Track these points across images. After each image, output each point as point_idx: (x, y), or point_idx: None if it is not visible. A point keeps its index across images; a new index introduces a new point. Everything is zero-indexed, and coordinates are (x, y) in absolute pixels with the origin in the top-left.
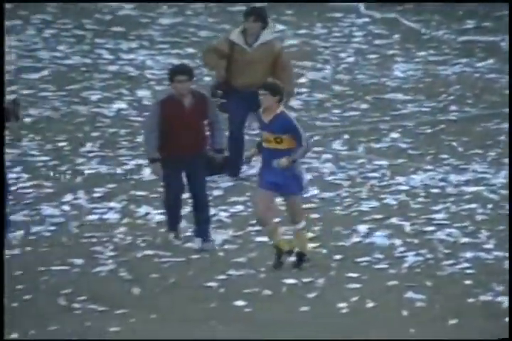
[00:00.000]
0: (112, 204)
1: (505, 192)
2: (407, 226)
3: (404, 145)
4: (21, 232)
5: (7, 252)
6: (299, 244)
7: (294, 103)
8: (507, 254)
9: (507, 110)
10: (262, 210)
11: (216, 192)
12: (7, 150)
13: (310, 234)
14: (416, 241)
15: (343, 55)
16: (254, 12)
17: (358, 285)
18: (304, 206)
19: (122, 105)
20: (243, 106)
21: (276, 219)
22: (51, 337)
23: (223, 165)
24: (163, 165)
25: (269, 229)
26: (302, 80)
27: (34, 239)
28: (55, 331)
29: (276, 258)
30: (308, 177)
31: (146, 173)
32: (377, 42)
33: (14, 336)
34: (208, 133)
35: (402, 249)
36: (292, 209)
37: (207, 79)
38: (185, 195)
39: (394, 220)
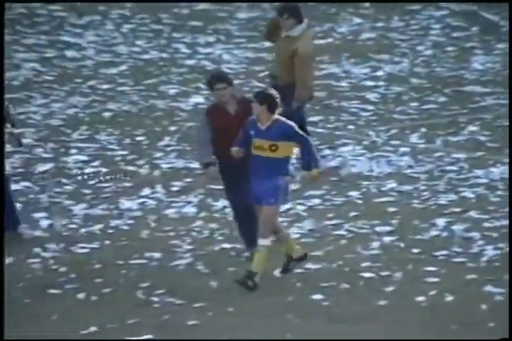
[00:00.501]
0: (190, 198)
1: None
2: (486, 220)
3: (482, 138)
4: (100, 226)
5: (87, 245)
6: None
7: (371, 96)
8: None
9: None
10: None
11: (293, 186)
12: (86, 145)
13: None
14: (495, 234)
15: (420, 47)
16: (287, 10)
17: (436, 279)
18: (382, 199)
19: (199, 99)
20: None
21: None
22: (130, 330)
23: None
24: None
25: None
26: (379, 73)
27: (113, 232)
28: (133, 324)
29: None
30: (387, 169)
31: None
32: (455, 34)
33: (93, 329)
34: None
35: (480, 242)
36: (262, 220)
37: None
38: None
39: (472, 213)
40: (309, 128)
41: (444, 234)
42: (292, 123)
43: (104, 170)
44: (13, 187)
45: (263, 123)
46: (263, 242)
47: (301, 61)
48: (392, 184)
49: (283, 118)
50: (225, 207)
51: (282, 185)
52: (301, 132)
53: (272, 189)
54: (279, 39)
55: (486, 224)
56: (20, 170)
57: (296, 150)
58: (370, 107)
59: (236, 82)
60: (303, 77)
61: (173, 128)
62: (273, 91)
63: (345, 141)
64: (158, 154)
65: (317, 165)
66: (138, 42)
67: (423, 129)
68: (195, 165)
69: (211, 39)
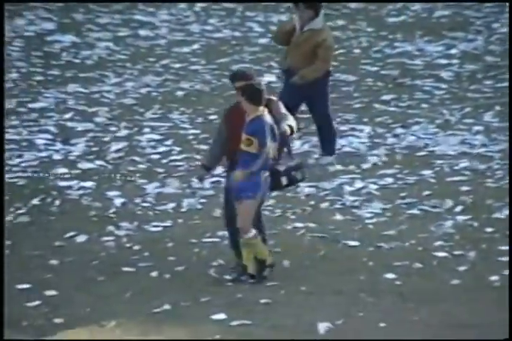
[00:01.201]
0: None
1: None
2: None
3: None
4: (173, 205)
5: (160, 224)
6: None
7: (445, 74)
8: None
9: None
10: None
11: (365, 165)
12: (159, 124)
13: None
14: None
15: (495, 25)
16: (304, 1)
17: (509, 258)
18: (455, 178)
19: (272, 78)
20: (289, 89)
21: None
22: (203, 308)
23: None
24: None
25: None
26: (453, 51)
27: (185, 211)
28: (206, 302)
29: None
30: (460, 148)
31: (296, 145)
32: None
33: (167, 307)
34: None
35: None
36: (238, 215)
37: None
38: None
39: None
40: (381, 107)
41: None
42: (264, 124)
43: (176, 148)
44: (87, 165)
45: (248, 116)
46: (247, 236)
47: (327, 53)
48: (465, 163)
49: (265, 116)
50: (296, 186)
51: (258, 179)
52: (265, 136)
53: (250, 183)
54: (296, 35)
55: None
56: (94, 148)
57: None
58: (444, 85)
59: None
60: (321, 66)
61: None
62: (259, 84)
63: (419, 119)
64: None
65: (245, 168)
66: (211, 21)
67: (497, 107)
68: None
69: (284, 18)
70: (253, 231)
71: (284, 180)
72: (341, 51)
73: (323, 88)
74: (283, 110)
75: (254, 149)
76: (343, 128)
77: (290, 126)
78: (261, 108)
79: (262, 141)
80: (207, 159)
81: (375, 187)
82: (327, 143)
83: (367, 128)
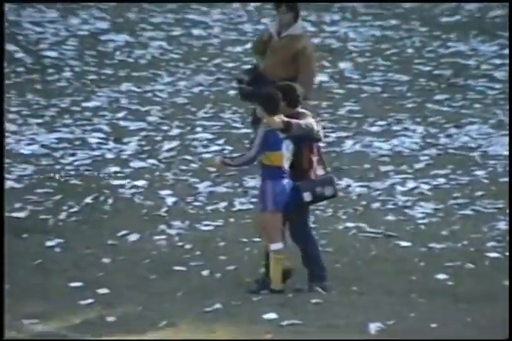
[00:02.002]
0: None
1: None
2: None
3: None
4: (224, 204)
5: (211, 223)
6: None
7: (499, 74)
8: None
9: None
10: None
11: (417, 165)
12: (211, 123)
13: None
14: None
15: None
16: (285, 2)
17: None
18: (508, 179)
19: (324, 77)
20: None
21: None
22: (254, 307)
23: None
24: None
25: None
26: (507, 51)
27: (237, 210)
28: (257, 302)
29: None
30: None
31: (348, 145)
32: None
33: (218, 306)
34: None
35: None
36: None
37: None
38: None
39: None
40: (434, 107)
41: None
42: (265, 130)
43: (228, 147)
44: (139, 164)
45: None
46: (274, 247)
47: (308, 61)
48: None
49: (271, 127)
50: (348, 185)
51: (269, 189)
52: (257, 142)
53: (261, 194)
54: (275, 41)
55: None
56: (146, 147)
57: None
58: (498, 85)
59: (361, 60)
60: (308, 77)
61: None
62: (272, 93)
63: (472, 119)
64: None
65: (232, 160)
66: (263, 21)
67: None
68: (320, 143)
69: (337, 17)
70: (279, 245)
71: (306, 196)
72: (394, 51)
73: None
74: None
75: (268, 161)
76: (395, 128)
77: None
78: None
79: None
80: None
81: (428, 187)
82: None
83: (419, 128)
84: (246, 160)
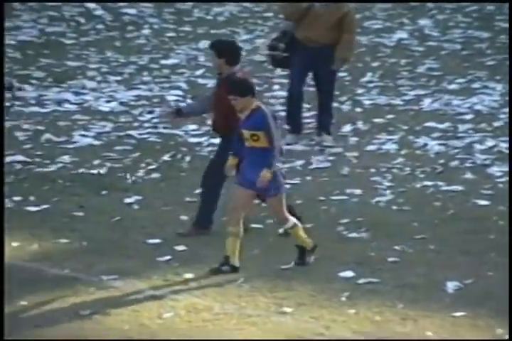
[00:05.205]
0: (391, 134)
1: None
2: None
3: None
4: (301, 162)
5: (289, 181)
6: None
7: None
8: None
9: None
10: (236, 208)
11: (496, 124)
12: (287, 81)
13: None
14: None
15: None
16: None
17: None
18: None
19: (403, 35)
20: (306, 63)
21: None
22: (330, 266)
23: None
24: None
25: (233, 231)
26: None
27: (314, 168)
28: (333, 260)
29: (299, 257)
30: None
31: (426, 103)
32: None
33: (288, 266)
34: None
35: None
36: (273, 211)
37: None
38: None
39: None
40: None
41: None
42: (266, 113)
43: (307, 106)
44: None
45: (243, 113)
46: (289, 225)
47: (352, 22)
48: None
49: (262, 107)
50: (426, 144)
51: (275, 173)
52: (271, 127)
53: (271, 182)
54: (317, 7)
55: None
56: None
57: None
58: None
59: (440, 17)
60: (351, 39)
61: (375, 64)
62: (242, 79)
63: None
64: (361, 90)
65: (269, 166)
66: None
67: None
68: (397, 101)
69: None
70: (292, 220)
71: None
72: (474, 7)
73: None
74: None
75: (266, 143)
76: (474, 85)
77: None
78: (254, 100)
79: (269, 133)
80: (185, 107)
81: (506, 145)
82: (326, 121)
83: (499, 86)
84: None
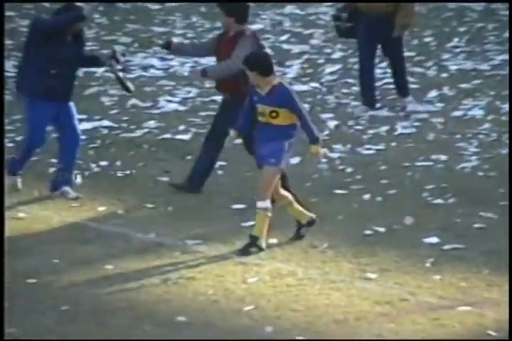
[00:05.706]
0: (477, 100)
1: None
2: None
3: None
4: (386, 128)
5: (373, 147)
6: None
7: None
8: None
9: None
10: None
11: None
12: None
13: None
14: None
15: None
16: None
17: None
18: None
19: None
20: (370, 33)
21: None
22: (416, 231)
23: None
24: None
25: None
26: None
27: (399, 134)
28: (419, 225)
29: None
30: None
31: None
32: None
33: (380, 230)
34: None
35: None
36: (260, 182)
37: None
38: None
39: None
40: None
41: None
42: (290, 89)
43: (389, 71)
44: (302, 87)
45: (262, 89)
46: (262, 204)
47: None
48: None
49: (285, 83)
50: None
51: (284, 147)
52: (298, 101)
53: (274, 150)
54: None
55: None
56: (308, 70)
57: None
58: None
59: None
60: (411, 5)
61: (462, 29)
62: (261, 54)
63: None
64: (447, 55)
65: (313, 140)
66: None
67: None
68: (484, 67)
69: None
70: (268, 204)
71: None
72: None
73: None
74: None
75: (285, 121)
76: None
77: None
78: (275, 75)
79: (297, 108)
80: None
81: None
82: (401, 84)
83: None
84: None
